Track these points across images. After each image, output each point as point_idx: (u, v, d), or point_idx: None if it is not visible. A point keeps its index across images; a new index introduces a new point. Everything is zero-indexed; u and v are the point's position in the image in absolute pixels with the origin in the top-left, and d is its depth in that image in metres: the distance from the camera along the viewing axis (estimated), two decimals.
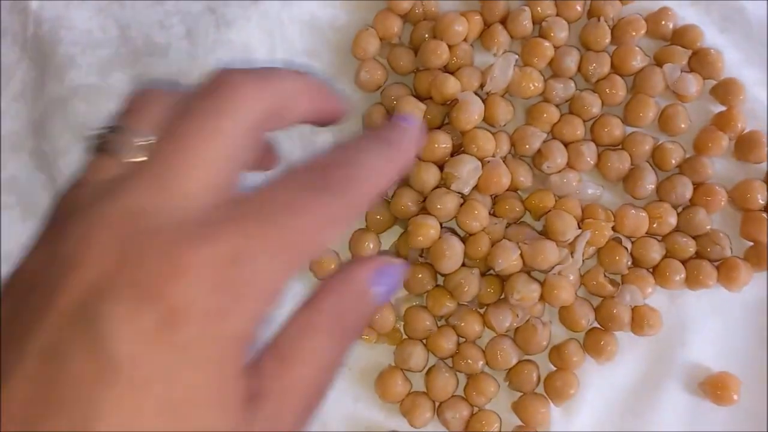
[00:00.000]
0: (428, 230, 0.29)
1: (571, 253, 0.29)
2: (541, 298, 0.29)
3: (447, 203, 0.29)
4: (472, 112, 0.30)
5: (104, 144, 0.20)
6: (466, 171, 0.29)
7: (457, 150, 0.31)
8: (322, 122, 0.23)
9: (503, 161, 0.30)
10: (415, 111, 0.30)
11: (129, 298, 0.17)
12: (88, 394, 0.17)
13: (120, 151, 0.20)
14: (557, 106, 0.31)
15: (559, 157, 0.30)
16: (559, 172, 0.30)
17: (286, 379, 0.19)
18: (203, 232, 0.18)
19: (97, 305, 0.17)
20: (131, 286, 0.17)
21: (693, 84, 0.31)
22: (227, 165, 0.19)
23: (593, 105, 0.31)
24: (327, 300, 0.20)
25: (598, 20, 0.31)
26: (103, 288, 0.17)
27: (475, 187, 0.30)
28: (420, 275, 0.30)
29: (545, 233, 0.30)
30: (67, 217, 0.20)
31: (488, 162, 0.30)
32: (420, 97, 0.31)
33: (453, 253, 0.29)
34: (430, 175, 0.29)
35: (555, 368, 0.30)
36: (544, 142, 0.31)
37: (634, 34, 0.31)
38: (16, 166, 0.33)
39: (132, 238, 0.18)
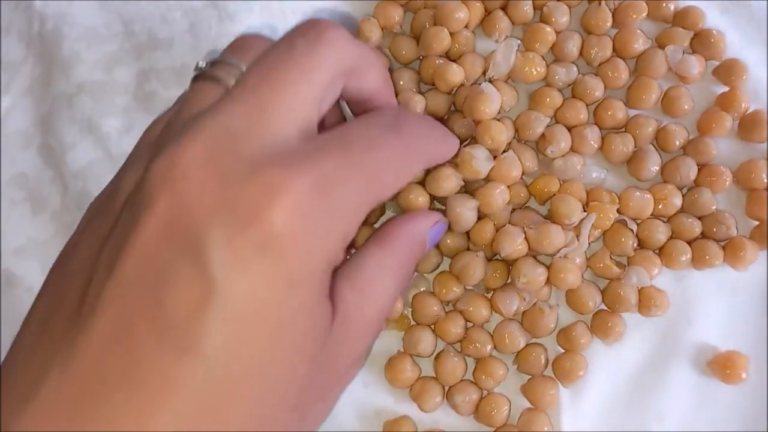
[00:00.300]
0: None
1: (577, 237, 0.30)
2: (548, 281, 0.29)
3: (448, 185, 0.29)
4: (494, 103, 0.29)
5: (210, 72, 0.21)
6: (480, 161, 0.29)
7: (466, 139, 0.31)
8: (365, 106, 0.24)
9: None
10: (416, 103, 0.30)
11: (228, 221, 0.18)
12: (192, 315, 0.18)
13: (224, 79, 0.21)
14: (560, 90, 0.31)
15: (562, 141, 0.30)
16: (563, 156, 0.30)
17: (364, 309, 0.21)
18: (296, 161, 0.19)
19: (196, 226, 0.18)
20: (230, 210, 0.18)
21: (695, 65, 0.31)
22: (316, 104, 0.21)
23: (596, 89, 0.31)
24: (398, 244, 0.23)
25: (599, 4, 0.32)
26: (201, 208, 0.18)
27: (485, 178, 0.30)
28: (428, 255, 0.30)
29: (550, 217, 0.30)
30: (166, 136, 0.20)
31: (504, 157, 0.29)
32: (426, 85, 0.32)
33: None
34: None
35: (563, 350, 0.30)
36: (548, 126, 0.31)
37: (635, 16, 0.31)
38: (25, 162, 0.33)
39: (229, 158, 0.19)
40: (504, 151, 0.30)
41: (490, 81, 0.31)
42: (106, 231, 0.20)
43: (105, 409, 0.17)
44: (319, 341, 0.20)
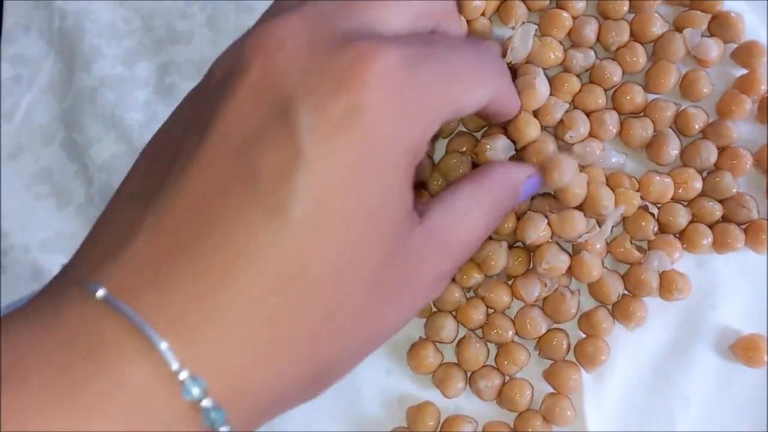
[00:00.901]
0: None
1: (599, 224, 0.30)
2: (569, 271, 0.29)
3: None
4: (542, 94, 0.29)
5: None
6: (500, 147, 0.29)
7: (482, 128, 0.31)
8: None
9: None
10: None
11: (318, 88, 0.18)
12: (281, 178, 0.18)
13: None
14: (578, 75, 0.31)
15: (581, 126, 0.30)
16: (582, 141, 0.30)
17: (451, 232, 0.22)
18: (385, 40, 0.19)
19: (287, 91, 0.18)
20: (321, 77, 0.19)
21: (714, 48, 0.31)
22: (416, 19, 0.21)
23: (614, 73, 0.31)
24: (492, 184, 0.24)
25: None
26: (293, 75, 0.18)
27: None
28: None
29: (584, 207, 0.29)
30: (262, 19, 0.21)
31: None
32: None
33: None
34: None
35: (585, 336, 0.30)
36: (566, 112, 0.31)
37: (652, 0, 0.31)
38: (49, 157, 0.34)
39: (325, 31, 0.19)
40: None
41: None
42: (200, 106, 0.20)
43: (189, 264, 0.18)
44: (400, 233, 0.20)
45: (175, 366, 0.17)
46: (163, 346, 0.17)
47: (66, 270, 0.19)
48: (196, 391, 0.17)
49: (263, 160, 0.18)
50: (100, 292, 0.17)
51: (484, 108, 0.23)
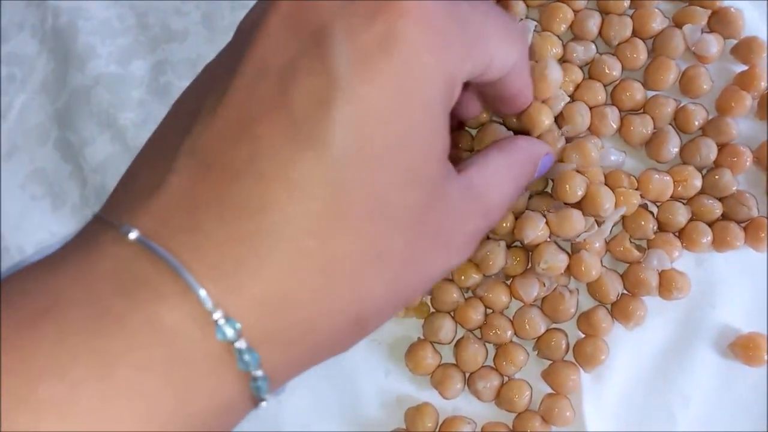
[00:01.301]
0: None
1: (598, 223, 0.29)
2: (568, 270, 0.29)
3: None
4: (555, 81, 0.29)
5: None
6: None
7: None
8: None
9: None
10: None
11: (353, 15, 0.18)
12: (317, 111, 0.18)
13: None
14: (580, 68, 0.31)
15: (580, 118, 0.30)
16: (581, 135, 0.30)
17: (486, 191, 0.22)
18: None
19: (320, 19, 0.18)
20: (354, 5, 0.18)
21: (714, 44, 0.30)
22: None
23: (613, 68, 0.31)
24: (519, 155, 0.24)
25: None
26: (325, 3, 0.18)
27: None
28: None
29: (583, 207, 0.29)
30: None
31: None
32: None
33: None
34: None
35: (584, 335, 0.30)
36: (567, 104, 0.30)
37: None
38: (43, 157, 0.33)
39: None
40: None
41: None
42: (232, 50, 0.20)
43: (224, 203, 0.17)
44: (441, 176, 0.20)
45: (209, 305, 0.17)
46: (197, 287, 0.16)
47: (99, 215, 0.19)
48: (230, 331, 0.17)
49: (298, 91, 0.17)
50: (133, 234, 0.17)
51: (503, 84, 0.23)
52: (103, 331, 0.16)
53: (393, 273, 0.19)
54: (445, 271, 0.22)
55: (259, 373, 0.17)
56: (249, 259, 0.17)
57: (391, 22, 0.18)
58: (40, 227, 0.33)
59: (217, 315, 0.17)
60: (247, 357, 0.17)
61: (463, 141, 0.31)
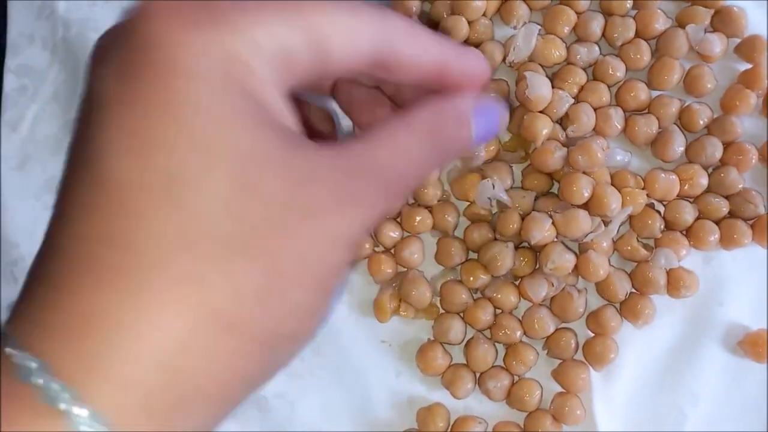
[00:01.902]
0: None
1: (605, 223, 0.29)
2: (576, 270, 0.29)
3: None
4: (542, 98, 0.30)
5: None
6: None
7: None
8: None
9: None
10: None
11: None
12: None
13: None
14: (583, 70, 0.31)
15: (585, 119, 0.30)
16: (587, 137, 0.30)
17: (367, 153, 0.19)
18: None
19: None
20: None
21: (717, 43, 0.31)
22: None
23: (617, 69, 0.31)
24: (426, 111, 0.20)
25: None
26: None
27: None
28: (452, 249, 0.30)
29: (590, 208, 0.29)
30: None
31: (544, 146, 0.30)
32: None
33: None
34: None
35: (593, 334, 0.30)
36: (572, 105, 0.30)
37: None
38: (56, 166, 0.34)
39: None
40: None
41: (511, 65, 0.31)
42: None
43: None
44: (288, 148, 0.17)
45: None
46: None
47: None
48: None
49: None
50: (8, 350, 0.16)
51: (399, 68, 0.20)
52: None
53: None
54: (348, 262, 0.19)
55: None
56: (108, 365, 0.16)
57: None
58: None
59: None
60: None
61: None
